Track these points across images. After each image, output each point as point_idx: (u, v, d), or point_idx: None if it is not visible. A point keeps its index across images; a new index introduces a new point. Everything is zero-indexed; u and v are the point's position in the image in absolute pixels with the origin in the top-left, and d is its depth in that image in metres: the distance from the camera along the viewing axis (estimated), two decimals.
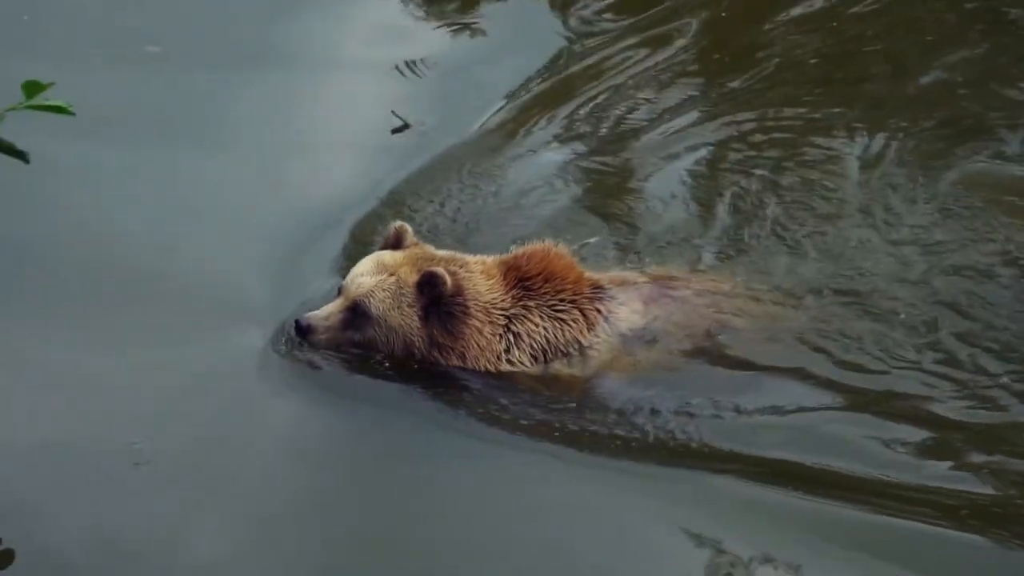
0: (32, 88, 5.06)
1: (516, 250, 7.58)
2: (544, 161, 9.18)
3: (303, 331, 7.28)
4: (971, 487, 6.71)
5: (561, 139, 9.44)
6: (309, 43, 10.24)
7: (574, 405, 7.23)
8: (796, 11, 10.66)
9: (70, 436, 6.92)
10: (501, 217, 8.65)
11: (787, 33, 10.46)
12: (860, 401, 7.20)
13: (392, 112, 9.52)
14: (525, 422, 7.13)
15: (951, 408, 7.15)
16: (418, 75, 10.08)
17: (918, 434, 7.00)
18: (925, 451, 6.91)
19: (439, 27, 10.76)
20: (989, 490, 6.70)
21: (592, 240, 8.29)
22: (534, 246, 7.53)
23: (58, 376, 7.32)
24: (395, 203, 8.67)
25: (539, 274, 7.42)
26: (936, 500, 6.64)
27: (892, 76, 9.94)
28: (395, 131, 9.46)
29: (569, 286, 7.43)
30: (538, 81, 10.08)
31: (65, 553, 6.35)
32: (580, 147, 9.34)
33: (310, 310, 7.38)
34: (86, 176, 8.74)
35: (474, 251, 7.72)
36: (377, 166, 9.02)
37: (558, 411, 7.18)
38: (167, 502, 6.63)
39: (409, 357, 7.34)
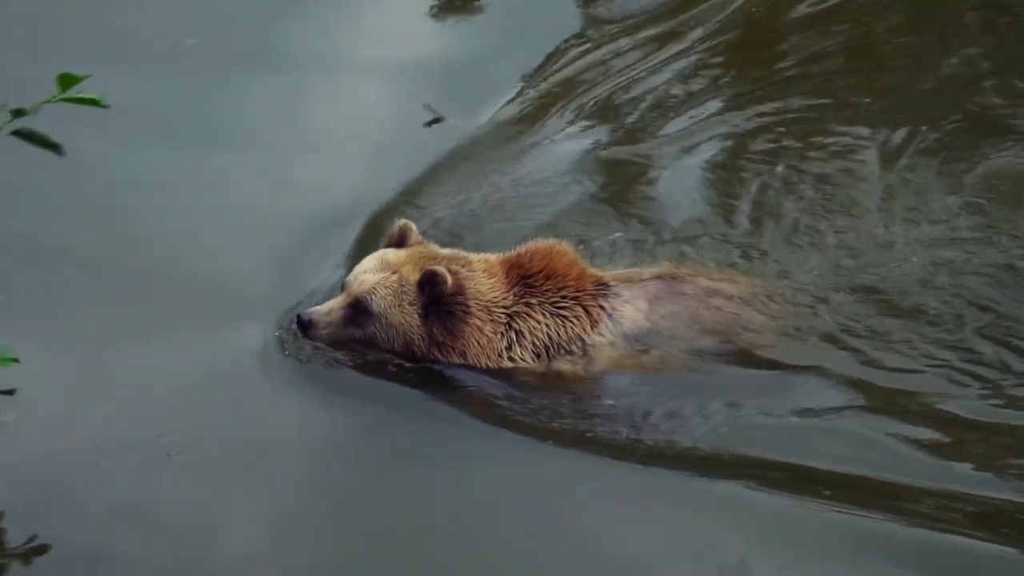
0: (67, 81, 5.09)
1: (519, 248, 7.55)
2: (564, 152, 9.20)
3: (304, 326, 7.32)
4: (995, 492, 6.59)
5: (581, 130, 9.48)
6: (314, 42, 10.31)
7: (578, 404, 7.21)
8: (819, 4, 10.61)
9: (90, 432, 6.98)
10: (519, 211, 8.65)
11: (811, 26, 10.43)
12: (876, 403, 7.09)
13: (425, 106, 9.52)
14: (530, 422, 7.10)
15: (974, 409, 7.04)
16: (429, 70, 10.09)
17: (939, 436, 6.90)
18: (946, 454, 6.80)
19: (449, 21, 10.76)
20: (1016, 496, 6.56)
21: (616, 235, 8.24)
22: (537, 243, 7.53)
23: (65, 374, 7.38)
24: (408, 198, 8.71)
25: (541, 271, 7.41)
26: (956, 506, 6.52)
27: (916, 70, 9.88)
28: (428, 124, 9.46)
29: (571, 283, 7.40)
30: (554, 72, 10.10)
31: (96, 545, 6.40)
32: (601, 138, 9.38)
33: (312, 305, 7.42)
34: (115, 175, 8.83)
35: (488, 246, 7.73)
36: (388, 163, 9.04)
37: (563, 410, 7.16)
38: (180, 498, 6.66)
39: (410, 355, 7.34)
